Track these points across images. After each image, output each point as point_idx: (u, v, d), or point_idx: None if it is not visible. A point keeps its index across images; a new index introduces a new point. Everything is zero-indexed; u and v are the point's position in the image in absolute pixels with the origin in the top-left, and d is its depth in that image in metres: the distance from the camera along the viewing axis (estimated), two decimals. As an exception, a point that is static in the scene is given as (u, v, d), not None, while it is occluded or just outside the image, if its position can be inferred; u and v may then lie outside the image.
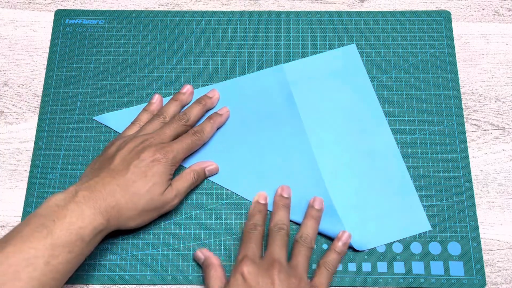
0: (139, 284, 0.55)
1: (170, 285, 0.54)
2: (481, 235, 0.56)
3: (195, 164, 0.57)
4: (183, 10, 0.67)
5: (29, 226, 0.45)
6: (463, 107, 0.61)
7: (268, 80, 0.63)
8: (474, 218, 0.56)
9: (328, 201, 0.57)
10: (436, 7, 0.67)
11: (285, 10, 0.66)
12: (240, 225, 0.57)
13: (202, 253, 0.54)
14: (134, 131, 0.57)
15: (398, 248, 0.55)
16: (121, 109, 0.62)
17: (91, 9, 0.67)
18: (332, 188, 0.57)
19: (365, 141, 0.60)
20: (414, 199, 0.57)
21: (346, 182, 0.58)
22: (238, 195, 0.58)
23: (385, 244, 0.56)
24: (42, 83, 0.63)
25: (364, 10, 0.66)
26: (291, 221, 0.56)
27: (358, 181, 0.58)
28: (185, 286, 0.54)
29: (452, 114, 0.61)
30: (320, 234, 0.56)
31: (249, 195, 0.57)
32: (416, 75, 0.63)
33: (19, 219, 0.57)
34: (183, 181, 0.55)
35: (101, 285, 0.54)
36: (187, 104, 0.61)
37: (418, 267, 0.55)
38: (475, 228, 0.56)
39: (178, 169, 0.58)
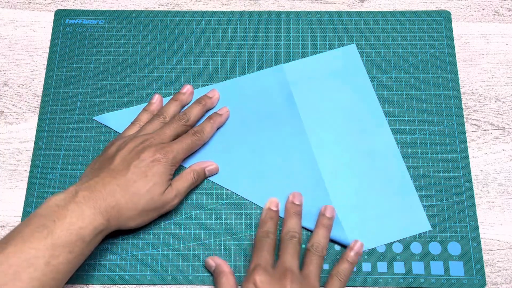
0: (139, 284, 0.55)
1: (170, 285, 0.54)
2: (481, 235, 0.56)
3: (195, 164, 0.57)
4: (183, 10, 0.67)
5: (29, 227, 0.45)
6: (463, 107, 0.61)
7: (268, 80, 0.63)
8: (474, 218, 0.56)
9: (328, 201, 0.57)
10: (436, 7, 0.67)
11: (285, 10, 0.66)
12: (242, 225, 0.57)
13: (213, 261, 0.54)
14: (134, 131, 0.57)
15: (398, 248, 0.55)
16: (121, 109, 0.62)
17: (91, 9, 0.67)
18: (332, 188, 0.57)
19: (365, 141, 0.60)
20: (414, 199, 0.57)
21: (346, 182, 0.58)
22: (238, 195, 0.58)
23: (385, 244, 0.56)
24: (42, 83, 0.63)
25: (364, 10, 0.66)
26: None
27: (358, 181, 0.58)
28: (185, 286, 0.54)
29: (452, 114, 0.61)
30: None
31: (249, 195, 0.57)
32: (416, 75, 0.63)
33: (19, 219, 0.57)
34: (183, 181, 0.55)
35: (101, 285, 0.54)
36: (187, 104, 0.61)
37: (418, 267, 0.55)
38: (475, 228, 0.56)
39: (178, 169, 0.58)
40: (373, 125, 0.60)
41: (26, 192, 0.58)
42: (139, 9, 0.67)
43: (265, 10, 0.66)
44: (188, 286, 0.54)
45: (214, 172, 0.58)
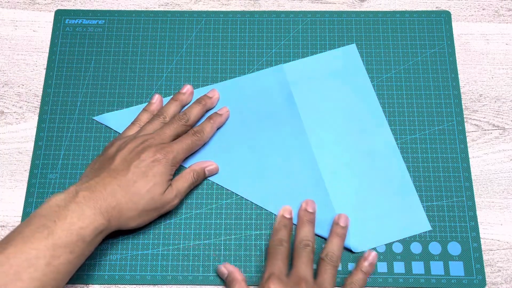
0: (139, 284, 0.55)
1: (170, 285, 0.54)
2: (481, 235, 0.56)
3: (195, 164, 0.57)
4: (183, 10, 0.67)
5: (30, 227, 0.45)
6: (463, 107, 0.62)
7: (268, 80, 0.63)
8: (474, 218, 0.56)
9: (328, 201, 0.57)
10: (436, 7, 0.67)
11: (285, 10, 0.66)
12: (242, 225, 0.57)
13: (225, 268, 0.53)
14: (134, 131, 0.57)
15: (398, 248, 0.55)
16: (121, 109, 0.62)
17: (91, 9, 0.67)
18: (332, 188, 0.57)
19: (365, 141, 0.60)
20: (414, 199, 0.57)
21: (346, 182, 0.58)
22: (238, 195, 0.58)
23: (385, 244, 0.56)
24: (42, 83, 0.63)
25: (364, 10, 0.66)
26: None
27: (358, 181, 0.58)
28: (185, 286, 0.54)
29: (452, 114, 0.61)
30: (317, 235, 0.56)
31: (249, 195, 0.57)
32: (416, 75, 0.63)
33: (19, 219, 0.57)
34: (183, 181, 0.55)
35: (101, 285, 0.54)
36: (187, 104, 0.61)
37: (418, 267, 0.55)
38: (475, 228, 0.56)
39: (178, 169, 0.58)
40: (373, 125, 0.60)
41: (26, 192, 0.58)
42: (139, 9, 0.67)
43: (265, 10, 0.66)
44: (188, 286, 0.54)
45: (214, 172, 0.58)
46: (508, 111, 0.62)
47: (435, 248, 0.55)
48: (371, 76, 0.63)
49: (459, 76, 0.63)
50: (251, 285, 0.53)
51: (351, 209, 0.56)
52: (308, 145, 0.59)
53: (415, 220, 0.56)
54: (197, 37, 0.65)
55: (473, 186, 0.58)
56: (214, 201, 0.58)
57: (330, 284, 0.50)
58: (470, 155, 0.59)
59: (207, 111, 0.61)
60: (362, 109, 0.61)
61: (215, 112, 0.60)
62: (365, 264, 0.53)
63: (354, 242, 0.55)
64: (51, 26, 0.66)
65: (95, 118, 0.61)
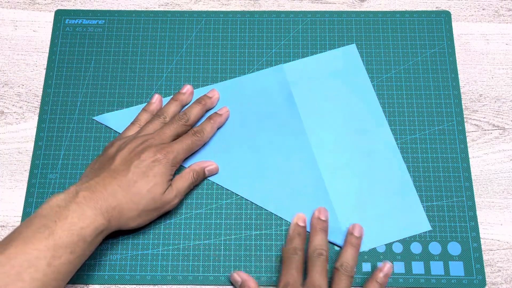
0: (139, 284, 0.55)
1: (170, 285, 0.55)
2: (481, 235, 0.56)
3: (195, 164, 0.57)
4: (183, 10, 0.67)
5: (30, 227, 0.45)
6: (463, 107, 0.62)
7: (268, 80, 0.63)
8: (474, 218, 0.56)
9: (328, 201, 0.57)
10: (436, 7, 0.67)
11: (285, 10, 0.66)
12: (242, 225, 0.57)
13: (239, 276, 0.53)
14: (134, 132, 0.57)
15: (398, 248, 0.56)
16: (121, 109, 0.62)
17: (91, 9, 0.67)
18: (332, 188, 0.57)
19: (365, 141, 0.60)
20: (414, 199, 0.57)
21: (346, 182, 0.58)
22: (238, 195, 0.58)
23: (385, 244, 0.56)
24: (42, 83, 0.63)
25: (364, 10, 0.66)
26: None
27: (358, 181, 0.58)
28: (185, 286, 0.54)
29: (452, 114, 0.61)
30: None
31: (249, 195, 0.57)
32: (416, 75, 0.63)
33: (19, 219, 0.57)
34: (183, 181, 0.55)
35: (101, 285, 0.54)
36: (187, 104, 0.61)
37: (418, 267, 0.55)
38: (475, 228, 0.56)
39: (178, 169, 0.58)
40: (373, 125, 0.60)
41: (26, 192, 0.58)
42: (139, 9, 0.67)
43: (265, 10, 0.66)
44: (188, 286, 0.55)
45: (214, 172, 0.58)
46: (508, 111, 0.62)
47: (435, 248, 0.55)
48: (371, 76, 0.63)
49: (459, 76, 0.63)
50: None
51: (351, 209, 0.56)
52: (308, 145, 0.59)
53: (415, 220, 0.56)
54: (197, 37, 0.65)
55: (473, 186, 0.58)
56: (214, 201, 0.58)
57: None
58: (470, 155, 0.59)
59: (207, 111, 0.61)
60: (362, 109, 0.61)
61: (215, 112, 0.60)
62: (381, 275, 0.52)
63: (354, 242, 0.55)
64: (51, 26, 0.66)
65: (95, 118, 0.61)
